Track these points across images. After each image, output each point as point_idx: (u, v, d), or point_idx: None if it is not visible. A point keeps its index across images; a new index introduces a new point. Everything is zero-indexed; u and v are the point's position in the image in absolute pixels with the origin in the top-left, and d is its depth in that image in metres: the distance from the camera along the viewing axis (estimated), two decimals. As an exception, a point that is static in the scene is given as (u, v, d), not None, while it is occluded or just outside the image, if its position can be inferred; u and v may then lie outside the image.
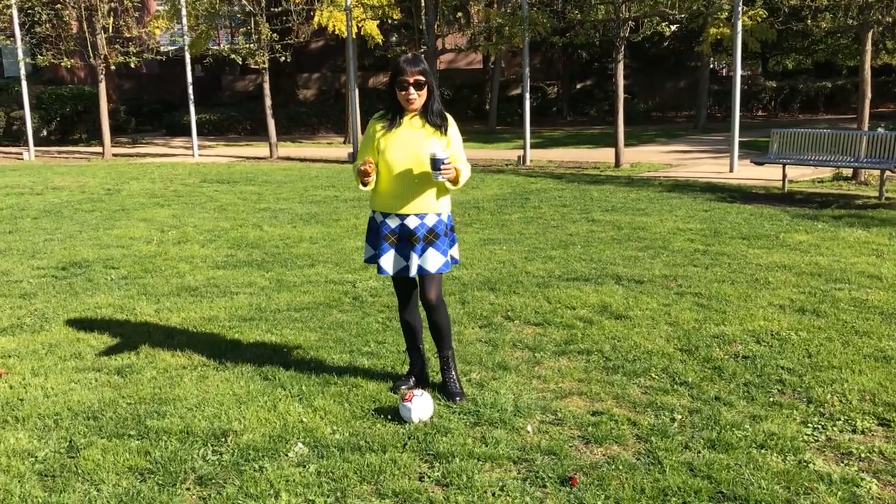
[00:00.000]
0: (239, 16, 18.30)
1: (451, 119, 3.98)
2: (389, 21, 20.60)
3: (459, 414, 3.85)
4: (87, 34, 18.50)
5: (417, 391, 3.79)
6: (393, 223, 3.95)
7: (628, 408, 3.92)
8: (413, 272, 3.91)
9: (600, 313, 5.49)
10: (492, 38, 18.64)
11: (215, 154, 20.06)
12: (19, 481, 3.21)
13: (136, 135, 27.69)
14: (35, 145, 21.50)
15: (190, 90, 19.23)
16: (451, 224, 4.06)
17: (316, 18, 19.22)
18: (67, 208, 10.76)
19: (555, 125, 29.61)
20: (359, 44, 21.90)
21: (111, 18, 18.64)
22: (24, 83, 19.45)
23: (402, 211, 3.91)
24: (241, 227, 9.12)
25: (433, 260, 3.90)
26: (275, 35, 18.03)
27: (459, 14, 19.82)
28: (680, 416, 3.80)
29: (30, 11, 19.15)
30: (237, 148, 22.08)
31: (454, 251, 4.12)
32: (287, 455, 3.44)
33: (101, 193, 12.41)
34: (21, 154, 19.74)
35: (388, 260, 3.98)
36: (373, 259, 4.05)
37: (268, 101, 18.42)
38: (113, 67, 19.15)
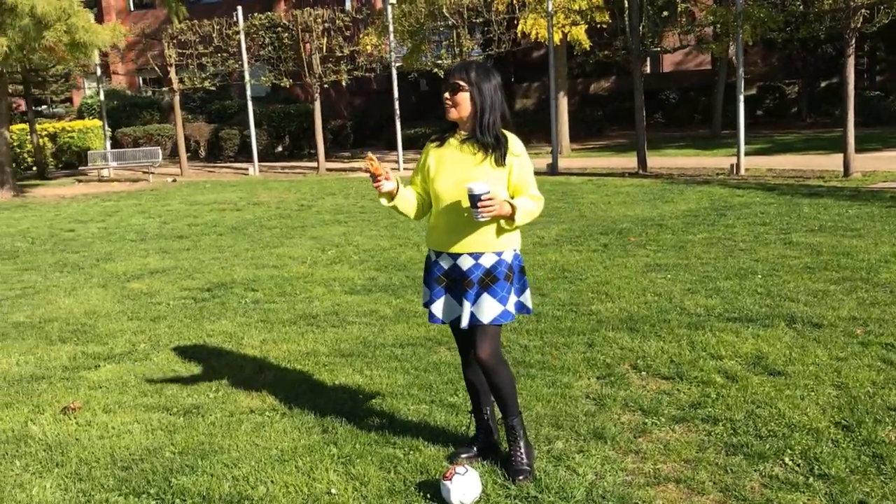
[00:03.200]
0: (442, 29, 18.31)
1: (515, 143, 3.31)
2: (598, 25, 19.71)
3: (513, 499, 3.16)
4: (302, 54, 19.41)
5: (461, 468, 3.16)
6: (445, 264, 3.35)
7: (734, 508, 3.02)
8: (465, 322, 3.28)
9: (751, 367, 4.49)
10: (716, 38, 17.25)
11: (421, 167, 20.25)
12: (12, 542, 3.00)
13: (356, 150, 28.83)
14: (265, 160, 23.00)
15: (396, 105, 19.55)
16: (519, 265, 3.39)
17: (519, 27, 18.83)
18: (253, 225, 11.12)
19: (791, 128, 27.02)
20: (569, 50, 21.27)
21: (325, 39, 19.43)
22: (249, 103, 20.80)
23: (454, 250, 3.30)
24: (401, 246, 8.85)
25: (488, 309, 3.25)
26: (476, 46, 17.85)
27: (665, 13, 18.52)
28: (800, 530, 2.85)
29: (254, 36, 20.43)
30: (444, 160, 22.19)
31: (525, 298, 3.44)
32: (294, 537, 2.96)
33: (293, 209, 12.78)
34: (247, 169, 21.14)
35: (440, 306, 3.39)
36: (429, 304, 3.47)
37: (469, 113, 18.23)
38: (325, 85, 19.92)
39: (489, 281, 3.27)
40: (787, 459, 3.39)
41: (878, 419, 3.71)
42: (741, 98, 14.70)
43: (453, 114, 3.26)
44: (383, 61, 19.85)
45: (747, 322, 5.32)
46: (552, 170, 17.11)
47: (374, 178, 3.23)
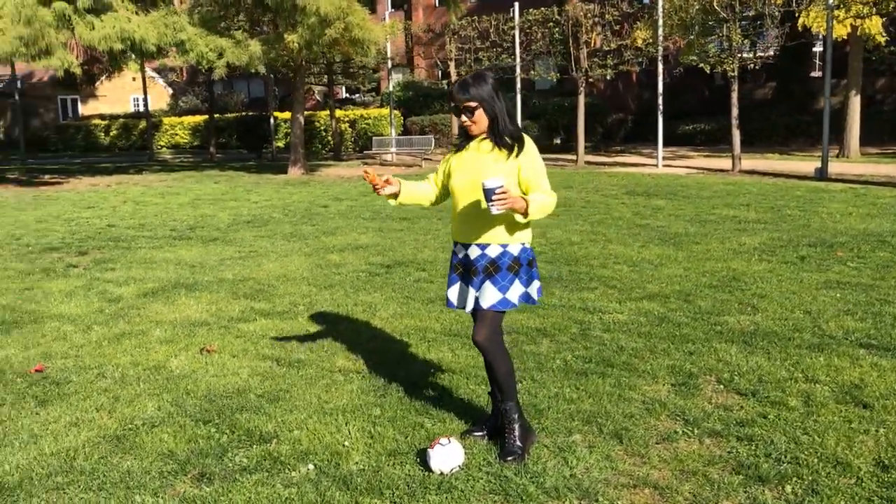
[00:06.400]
0: (711, 23, 17.62)
1: (528, 142, 3.51)
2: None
3: (488, 476, 3.39)
4: (571, 49, 19.76)
5: (444, 440, 3.46)
6: (460, 253, 3.67)
7: (689, 521, 3.01)
8: (468, 307, 3.57)
9: (839, 395, 4.19)
10: None
11: (681, 165, 19.72)
12: (101, 438, 3.83)
13: (632, 144, 28.57)
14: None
15: (660, 100, 19.22)
16: (526, 258, 3.57)
17: (800, 20, 17.55)
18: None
19: None
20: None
21: (594, 33, 19.59)
22: (517, 95, 21.58)
23: (466, 240, 3.61)
24: (590, 241, 8.97)
25: (488, 295, 3.50)
26: (745, 41, 16.97)
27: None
28: (734, 552, 2.79)
29: (528, 31, 21.12)
30: (706, 159, 21.38)
31: (532, 289, 3.62)
32: (292, 473, 3.47)
33: (523, 199, 13.27)
34: (512, 159, 21.98)
35: (454, 292, 3.71)
36: (447, 289, 3.79)
37: (734, 112, 17.44)
38: (591, 79, 20.09)
39: (493, 270, 3.51)
40: (787, 487, 3.23)
41: (930, 466, 3.36)
42: None
43: (476, 130, 3.53)
44: (650, 55, 19.54)
45: (881, 350, 4.87)
46: (820, 175, 15.81)
47: (374, 187, 3.61)
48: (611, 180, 16.21)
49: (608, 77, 19.76)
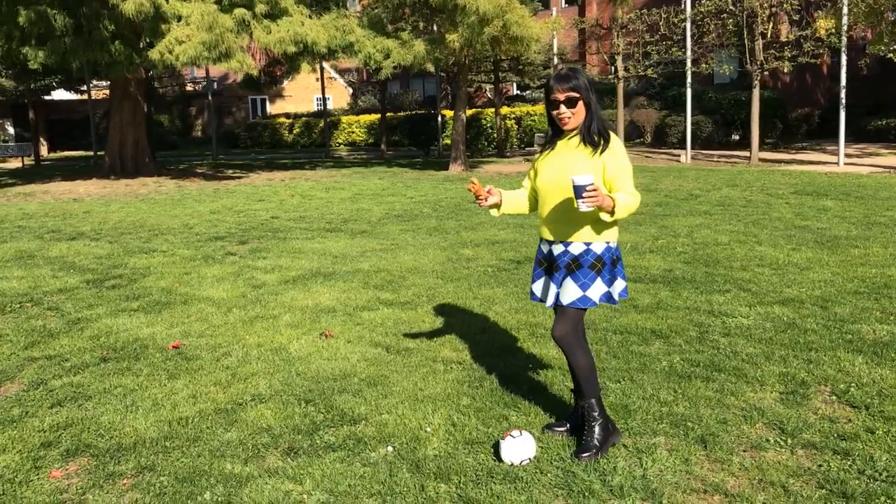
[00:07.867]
0: (902, 9, 16.24)
1: (614, 139, 3.47)
2: None
3: (556, 470, 3.41)
4: (746, 40, 18.85)
5: (516, 432, 3.50)
6: (545, 248, 3.72)
7: (751, 532, 2.89)
8: (549, 302, 3.60)
9: (968, 414, 3.84)
10: None
11: (866, 164, 18.32)
12: (211, 411, 4.18)
13: (816, 140, 26.81)
14: (709, 148, 22.81)
15: (842, 93, 17.93)
16: (610, 257, 3.54)
17: None
18: (624, 209, 11.55)
19: None
20: None
21: (770, 24, 18.58)
22: (688, 90, 20.83)
23: (550, 237, 3.64)
24: (740, 243, 8.58)
25: (568, 292, 3.52)
26: (942, 28, 15.51)
27: None
28: (790, 567, 2.66)
29: (700, 23, 20.36)
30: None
31: (614, 289, 3.58)
32: (371, 453, 3.64)
33: (679, 198, 12.85)
34: (679, 157, 21.28)
35: (538, 286, 3.77)
36: (532, 283, 3.84)
37: (926, 105, 15.98)
38: (766, 73, 19.06)
39: (574, 267, 3.52)
40: (872, 507, 3.03)
41: None
42: None
43: (573, 123, 3.52)
44: (833, 46, 18.27)
45: None
46: None
47: (476, 197, 3.68)
48: (782, 179, 15.34)
49: (786, 70, 18.66)
